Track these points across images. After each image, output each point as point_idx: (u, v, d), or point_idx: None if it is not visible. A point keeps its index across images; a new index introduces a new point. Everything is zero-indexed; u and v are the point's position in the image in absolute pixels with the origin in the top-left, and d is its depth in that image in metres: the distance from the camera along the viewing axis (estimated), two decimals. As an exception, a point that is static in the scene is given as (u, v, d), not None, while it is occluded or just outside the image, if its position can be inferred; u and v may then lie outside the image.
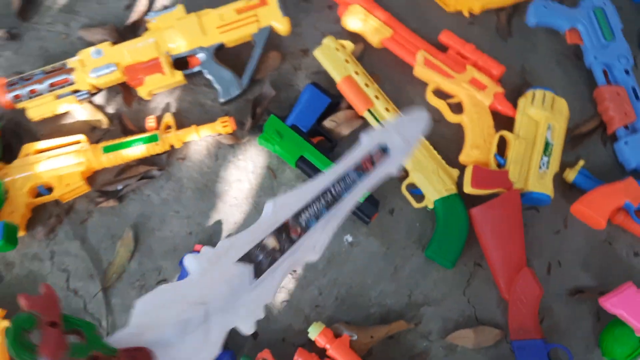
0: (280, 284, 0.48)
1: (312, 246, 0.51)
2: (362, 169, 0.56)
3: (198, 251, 0.84)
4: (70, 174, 0.86)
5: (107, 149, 0.88)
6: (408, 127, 0.61)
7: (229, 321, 0.45)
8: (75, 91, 0.90)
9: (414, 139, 0.61)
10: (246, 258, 0.47)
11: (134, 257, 0.86)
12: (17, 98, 0.89)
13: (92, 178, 0.89)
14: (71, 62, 0.90)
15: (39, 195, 0.87)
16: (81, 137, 0.89)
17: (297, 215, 0.51)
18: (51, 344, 0.35)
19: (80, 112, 0.93)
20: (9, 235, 0.80)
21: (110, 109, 0.94)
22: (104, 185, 0.89)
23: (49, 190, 0.87)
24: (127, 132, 0.91)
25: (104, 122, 0.92)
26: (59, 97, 0.90)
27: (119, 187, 0.89)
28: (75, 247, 0.86)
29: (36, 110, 0.90)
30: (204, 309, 0.43)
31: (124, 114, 0.93)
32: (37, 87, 0.89)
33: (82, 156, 0.87)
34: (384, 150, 0.58)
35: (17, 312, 0.36)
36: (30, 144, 0.88)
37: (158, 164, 0.90)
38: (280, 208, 0.50)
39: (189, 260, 0.45)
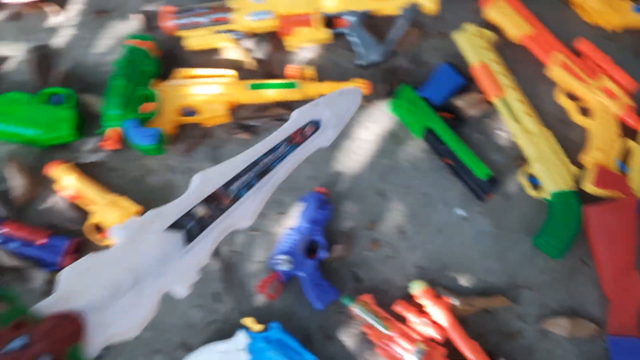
0: (213, 249, 0.50)
1: (244, 214, 0.54)
2: (292, 142, 0.60)
3: (319, 192, 0.89)
4: (216, 102, 0.94)
5: (253, 86, 0.94)
6: (340, 102, 0.64)
7: (163, 284, 0.47)
8: (231, 30, 0.98)
9: (346, 115, 0.64)
10: (176, 226, 0.49)
11: (258, 188, 0.91)
12: (183, 27, 0.98)
13: (232, 111, 0.96)
14: (233, 2, 0.98)
15: (184, 115, 0.95)
16: (232, 72, 0.96)
17: (227, 185, 0.53)
18: None
19: (231, 51, 1.00)
20: (160, 141, 0.87)
21: (258, 54, 1.01)
22: (242, 118, 0.96)
23: (193, 113, 0.94)
24: (270, 76, 0.98)
25: (251, 63, 0.99)
26: (217, 32, 0.98)
27: (255, 123, 0.95)
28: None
29: (194, 40, 0.98)
30: (133, 274, 0.45)
31: (270, 59, 1.00)
32: (200, 19, 0.97)
33: (229, 88, 0.94)
34: (315, 124, 0.62)
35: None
36: (183, 69, 0.96)
37: (292, 109, 0.96)
38: (209, 180, 0.52)
39: (115, 230, 0.47)
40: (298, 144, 0.60)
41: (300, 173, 0.93)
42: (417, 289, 0.84)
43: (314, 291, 0.84)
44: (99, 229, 0.88)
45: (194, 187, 0.51)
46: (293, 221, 0.90)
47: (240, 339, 0.80)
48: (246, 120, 0.95)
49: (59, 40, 1.00)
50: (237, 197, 0.53)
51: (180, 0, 1.02)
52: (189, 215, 0.50)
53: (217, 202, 0.52)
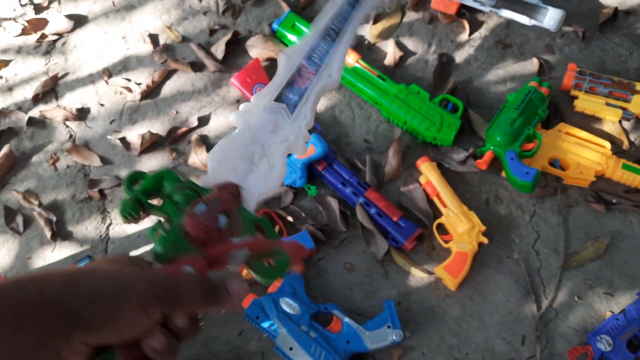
0: (315, 109, 0.59)
1: (329, 73, 0.62)
2: (352, 3, 0.66)
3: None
4: (587, 166, 0.97)
5: (626, 167, 0.97)
6: None
7: (285, 148, 0.56)
8: (624, 109, 1.01)
9: None
10: (279, 99, 0.59)
11: (596, 261, 0.94)
12: (578, 87, 1.03)
13: (595, 180, 0.99)
14: (639, 85, 1.01)
15: (551, 165, 1.00)
16: (607, 144, 0.99)
17: (309, 57, 0.61)
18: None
19: (610, 125, 1.03)
20: (535, 181, 0.94)
21: (634, 137, 1.03)
22: (602, 191, 0.98)
23: (561, 167, 0.99)
24: (639, 162, 0.99)
25: (625, 144, 1.02)
26: (607, 104, 1.02)
27: (613, 200, 0.98)
28: (554, 221, 0.97)
29: (584, 103, 1.02)
30: (260, 145, 0.55)
31: (650, 147, 1.01)
32: (599, 87, 1.01)
33: (604, 159, 0.97)
34: None
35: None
36: (567, 125, 1.01)
37: (658, 203, 0.97)
38: (291, 55, 0.61)
39: (233, 118, 0.57)
40: (356, 3, 0.67)
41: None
42: None
43: (621, 382, 0.85)
44: (443, 230, 0.96)
45: (282, 65, 0.61)
46: (618, 307, 0.91)
47: (543, 390, 0.84)
48: (605, 194, 0.98)
49: (460, 55, 1.11)
50: (320, 63, 0.62)
51: (574, 61, 1.07)
52: (285, 88, 0.60)
53: (306, 72, 0.61)
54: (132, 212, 0.48)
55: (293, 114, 0.59)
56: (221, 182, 0.51)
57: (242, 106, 0.58)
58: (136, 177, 0.50)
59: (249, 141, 0.56)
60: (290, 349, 0.86)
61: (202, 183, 0.51)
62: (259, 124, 0.57)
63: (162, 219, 0.48)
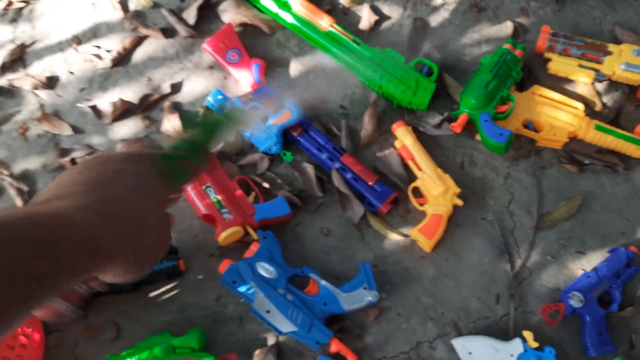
0: None
1: None
2: None
3: (631, 251, 0.91)
4: (560, 127, 0.98)
5: (599, 128, 0.97)
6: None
7: None
8: (596, 70, 1.01)
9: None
10: None
11: (567, 220, 0.95)
12: (551, 49, 1.03)
13: (568, 141, 1.00)
14: (612, 46, 1.01)
15: (525, 127, 1.00)
16: (580, 105, 1.00)
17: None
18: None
19: (583, 87, 1.04)
20: (508, 143, 0.94)
21: (606, 99, 1.03)
22: (575, 152, 0.99)
23: (535, 129, 1.00)
24: (612, 124, 1.00)
25: (598, 106, 1.02)
26: (580, 66, 1.02)
27: (586, 161, 0.99)
28: (528, 182, 0.98)
29: (558, 65, 1.02)
30: None
31: (619, 109, 1.02)
32: (572, 49, 1.02)
33: (576, 120, 0.98)
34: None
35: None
36: (541, 87, 1.01)
37: (626, 164, 0.98)
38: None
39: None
40: None
41: (612, 224, 0.95)
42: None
43: (592, 337, 0.87)
44: (418, 193, 0.96)
45: None
46: (590, 265, 0.92)
47: (516, 345, 0.85)
48: (578, 155, 0.99)
49: (435, 19, 1.10)
50: None
51: (548, 24, 1.07)
52: None
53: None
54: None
55: None
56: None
57: None
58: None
59: None
60: (268, 312, 0.87)
61: None
62: None
63: None
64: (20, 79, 1.06)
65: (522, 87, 1.03)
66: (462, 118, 0.97)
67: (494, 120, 0.97)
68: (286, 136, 1.00)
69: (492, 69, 0.99)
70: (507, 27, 1.09)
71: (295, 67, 1.07)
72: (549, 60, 1.03)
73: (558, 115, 0.99)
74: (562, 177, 0.98)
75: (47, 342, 0.87)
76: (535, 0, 1.11)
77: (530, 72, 1.05)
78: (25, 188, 0.98)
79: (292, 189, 0.98)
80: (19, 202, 0.97)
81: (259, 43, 1.09)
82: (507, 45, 1.02)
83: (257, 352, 0.87)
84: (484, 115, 0.96)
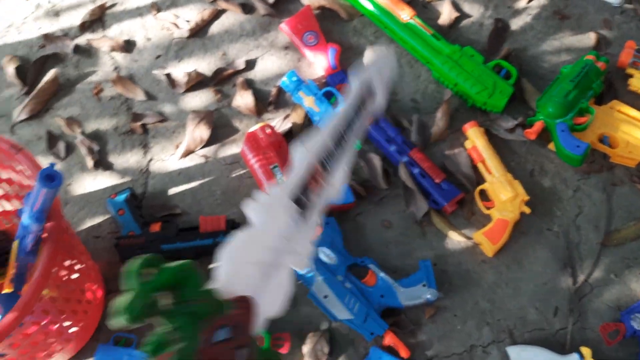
0: (318, 222, 0.53)
1: (333, 185, 0.57)
2: (357, 109, 0.64)
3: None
4: (636, 145, 0.96)
5: (676, 151, 0.95)
6: (382, 66, 0.71)
7: (292, 262, 0.49)
8: (680, 90, 0.99)
9: (388, 77, 0.71)
10: (296, 202, 0.52)
11: (635, 241, 0.93)
12: (634, 65, 1.00)
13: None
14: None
15: (600, 141, 0.98)
16: (662, 126, 0.97)
17: (322, 159, 0.56)
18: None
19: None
20: (585, 155, 0.92)
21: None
22: (649, 172, 0.97)
23: (610, 145, 0.98)
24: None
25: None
26: (665, 85, 1.00)
27: (661, 182, 0.97)
28: (598, 198, 0.96)
29: (639, 82, 1.00)
30: (274, 251, 0.48)
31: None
32: (658, 67, 0.99)
33: (659, 141, 0.96)
34: (369, 90, 0.67)
35: None
36: (620, 103, 0.99)
37: (703, 189, 0.96)
38: (310, 153, 0.55)
39: (252, 211, 0.48)
40: (360, 110, 0.65)
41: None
42: None
43: (651, 361, 0.85)
44: (484, 197, 0.95)
45: (300, 160, 0.55)
46: (655, 287, 0.91)
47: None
48: (652, 176, 0.97)
49: (516, 22, 1.08)
50: (327, 169, 0.58)
51: None
52: (301, 189, 0.53)
53: (318, 176, 0.56)
54: (144, 313, 0.38)
55: (304, 222, 0.53)
56: (238, 296, 0.44)
57: (259, 198, 0.50)
58: (150, 264, 0.39)
59: (265, 244, 0.49)
60: (325, 297, 0.87)
61: (215, 285, 0.44)
62: (277, 225, 0.50)
63: (164, 330, 0.39)
64: (98, 39, 1.07)
65: (600, 100, 1.01)
66: (538, 125, 0.96)
67: (570, 131, 0.95)
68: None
69: (573, 78, 0.97)
70: (589, 38, 1.07)
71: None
72: (630, 76, 1.01)
73: (635, 133, 0.96)
74: (633, 196, 0.96)
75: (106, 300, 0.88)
76: (621, 14, 1.09)
77: (610, 86, 1.03)
78: (96, 147, 0.99)
79: (357, 178, 0.97)
80: (89, 160, 0.98)
81: (335, 28, 1.08)
82: (590, 57, 0.99)
83: (311, 334, 0.87)
84: (561, 125, 0.95)
